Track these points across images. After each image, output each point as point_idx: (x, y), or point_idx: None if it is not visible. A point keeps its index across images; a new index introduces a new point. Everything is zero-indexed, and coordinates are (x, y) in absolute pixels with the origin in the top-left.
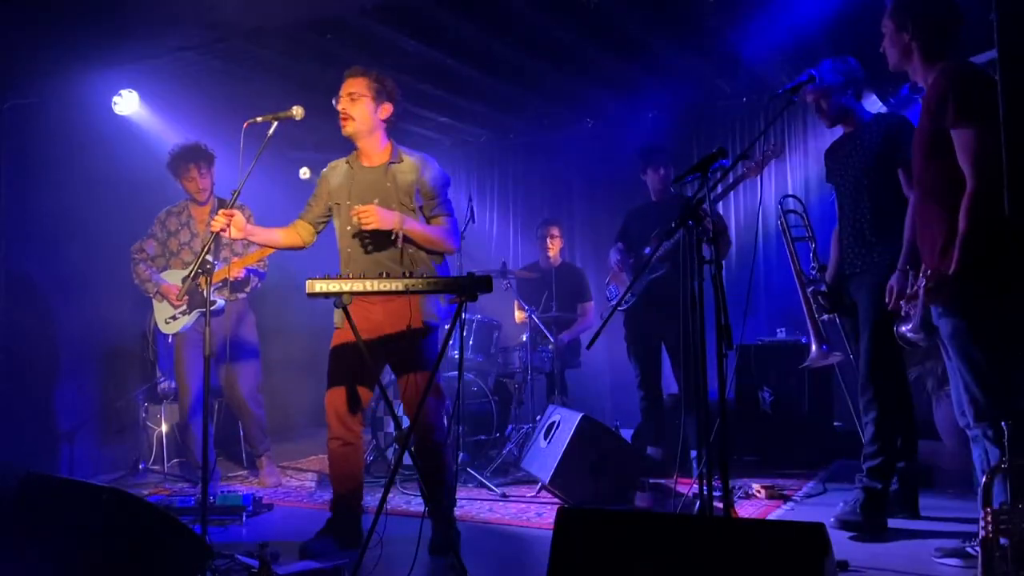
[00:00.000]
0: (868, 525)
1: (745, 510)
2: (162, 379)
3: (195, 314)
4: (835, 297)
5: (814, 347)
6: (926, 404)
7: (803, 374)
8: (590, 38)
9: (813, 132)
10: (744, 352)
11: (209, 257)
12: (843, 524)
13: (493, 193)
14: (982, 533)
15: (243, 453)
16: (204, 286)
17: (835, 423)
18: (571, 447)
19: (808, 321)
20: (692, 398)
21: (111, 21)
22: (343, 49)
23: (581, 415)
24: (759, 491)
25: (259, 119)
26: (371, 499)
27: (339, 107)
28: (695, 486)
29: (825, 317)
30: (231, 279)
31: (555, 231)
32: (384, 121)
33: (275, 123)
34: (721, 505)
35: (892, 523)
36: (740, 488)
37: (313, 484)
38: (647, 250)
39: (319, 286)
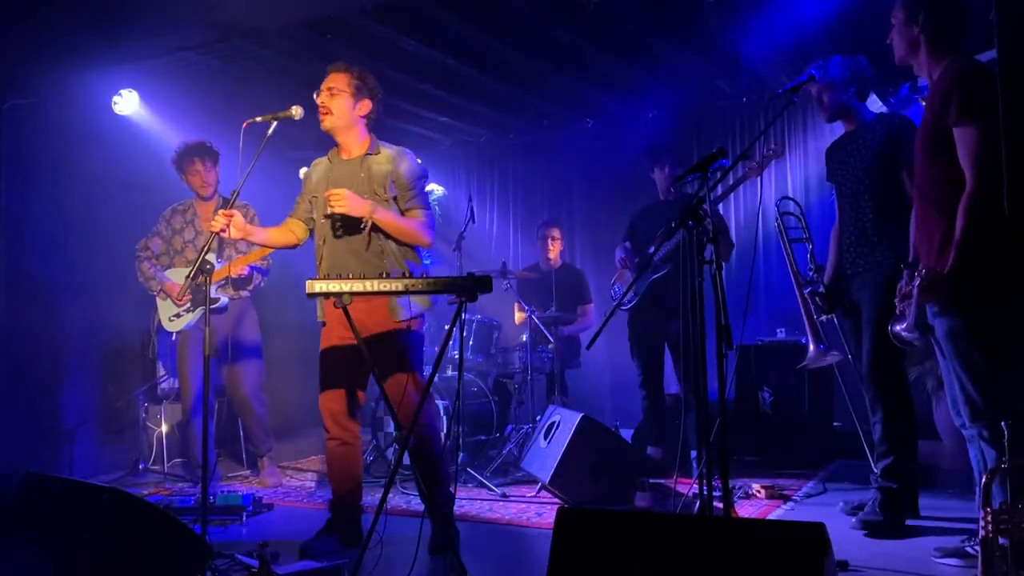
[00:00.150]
0: (889, 524)
1: (745, 510)
2: (162, 379)
3: (199, 312)
4: (833, 297)
5: (811, 347)
6: (926, 404)
7: (803, 374)
8: (590, 38)
9: (813, 132)
10: (744, 352)
11: (209, 257)
12: (866, 525)
13: (493, 193)
14: (982, 533)
15: (244, 453)
16: (205, 285)
17: (835, 423)
18: (571, 447)
19: (805, 321)
20: (693, 398)
21: (111, 21)
22: (343, 49)
23: (581, 415)
24: (759, 491)
25: (258, 119)
26: (371, 499)
27: (318, 101)
28: (695, 486)
29: (824, 318)
30: (235, 276)
31: (555, 233)
32: (363, 117)
33: (274, 123)
34: (721, 505)
35: None
36: (740, 488)
37: (313, 484)
38: (651, 249)
39: (319, 286)
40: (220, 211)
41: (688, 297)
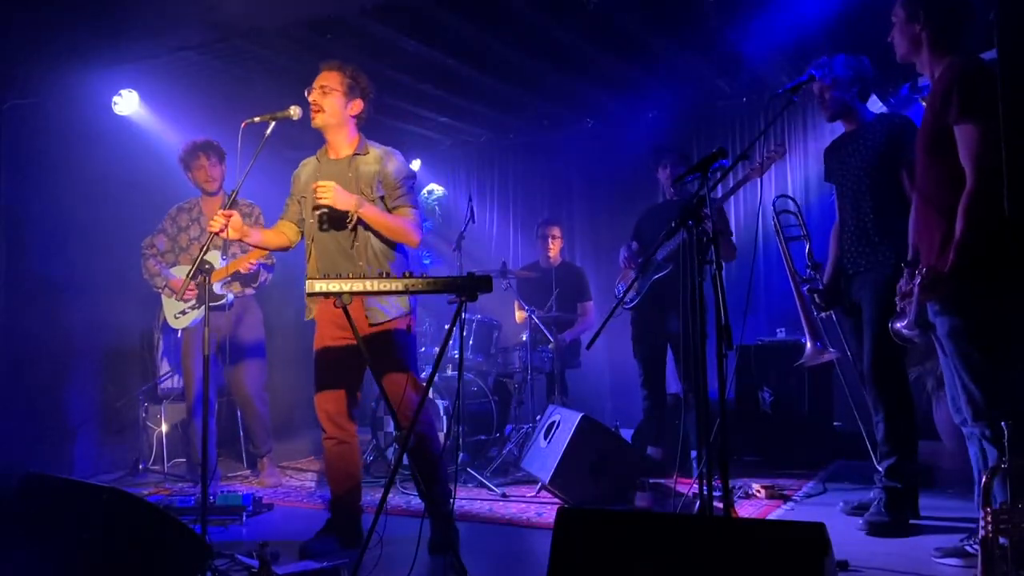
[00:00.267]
0: (895, 524)
1: (745, 510)
2: (163, 379)
3: (204, 309)
4: (831, 295)
5: (809, 344)
6: (926, 404)
7: (803, 374)
8: (590, 38)
9: (813, 132)
10: (744, 352)
11: (209, 256)
12: (872, 526)
13: (493, 193)
14: (982, 533)
15: (243, 453)
16: (205, 284)
17: (835, 423)
18: (571, 447)
19: (802, 318)
20: (693, 398)
21: (111, 21)
22: (343, 49)
23: (581, 415)
24: (759, 491)
25: (257, 119)
26: (371, 499)
27: (310, 98)
28: (695, 486)
29: (822, 315)
30: (243, 271)
31: (555, 231)
32: (354, 117)
33: (273, 123)
34: (721, 505)
35: None
36: (740, 488)
37: (313, 484)
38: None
39: (319, 286)
40: (219, 211)
41: (689, 297)
